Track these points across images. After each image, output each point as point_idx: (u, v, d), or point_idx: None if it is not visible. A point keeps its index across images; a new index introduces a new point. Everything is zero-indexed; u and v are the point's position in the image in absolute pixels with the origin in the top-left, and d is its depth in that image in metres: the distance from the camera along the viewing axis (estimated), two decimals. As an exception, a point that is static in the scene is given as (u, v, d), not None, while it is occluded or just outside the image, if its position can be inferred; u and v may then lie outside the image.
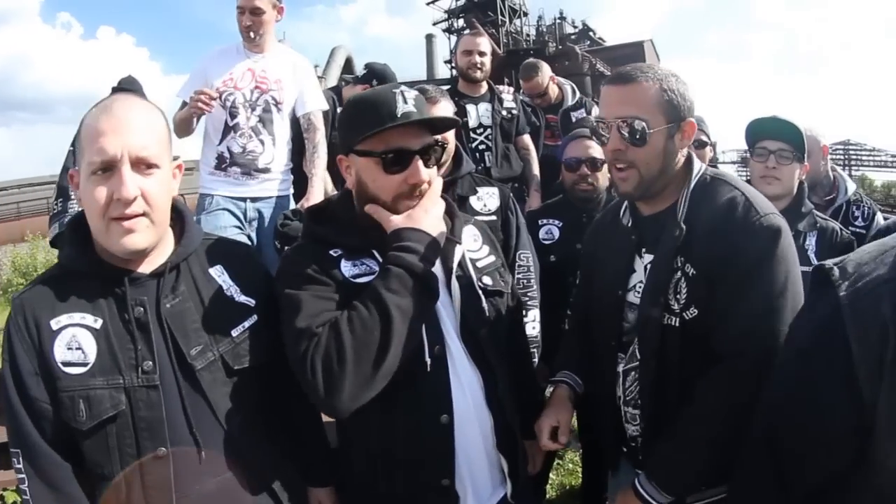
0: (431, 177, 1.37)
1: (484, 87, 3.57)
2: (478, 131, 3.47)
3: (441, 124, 1.47)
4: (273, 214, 2.94)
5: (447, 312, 1.41)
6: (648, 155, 1.38)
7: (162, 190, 1.22)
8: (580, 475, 3.29)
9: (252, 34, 2.88)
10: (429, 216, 1.34)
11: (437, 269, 1.38)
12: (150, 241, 1.23)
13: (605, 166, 2.43)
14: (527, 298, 2.10)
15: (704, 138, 3.02)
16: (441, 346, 1.36)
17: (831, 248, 2.10)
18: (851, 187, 2.78)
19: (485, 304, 1.45)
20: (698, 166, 1.46)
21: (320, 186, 2.94)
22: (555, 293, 2.34)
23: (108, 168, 1.16)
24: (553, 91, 4.02)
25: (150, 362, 1.21)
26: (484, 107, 3.50)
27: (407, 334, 1.24)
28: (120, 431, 1.19)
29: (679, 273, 1.36)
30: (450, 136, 2.04)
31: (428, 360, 1.33)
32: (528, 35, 42.09)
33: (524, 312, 2.01)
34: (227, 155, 2.89)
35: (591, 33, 46.65)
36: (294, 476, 1.43)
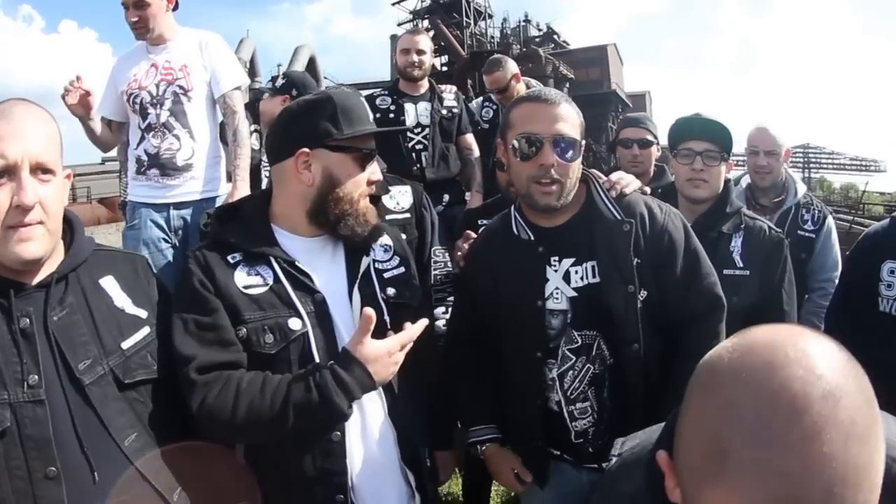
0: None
1: (425, 87, 3.45)
2: (415, 130, 3.33)
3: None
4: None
5: (345, 326, 1.41)
6: (574, 171, 1.53)
7: (58, 197, 1.20)
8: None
9: (141, 29, 2.71)
10: (389, 367, 1.34)
11: (342, 278, 1.45)
12: (45, 251, 1.19)
13: None
14: (445, 294, 2.06)
15: (650, 138, 2.96)
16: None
17: (759, 248, 2.01)
18: (802, 189, 2.68)
19: (386, 317, 1.45)
20: (591, 175, 1.62)
21: (246, 180, 2.73)
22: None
23: (7, 173, 1.13)
24: (519, 89, 3.85)
25: (36, 376, 1.14)
26: (423, 106, 3.37)
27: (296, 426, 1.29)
28: (7, 451, 1.10)
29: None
30: None
31: None
32: (492, 37, 42.37)
33: (445, 309, 2.02)
34: (144, 158, 2.73)
35: (555, 36, 47.23)
36: (197, 490, 1.34)
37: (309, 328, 1.35)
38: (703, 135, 2.06)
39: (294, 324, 1.34)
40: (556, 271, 1.57)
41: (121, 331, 1.27)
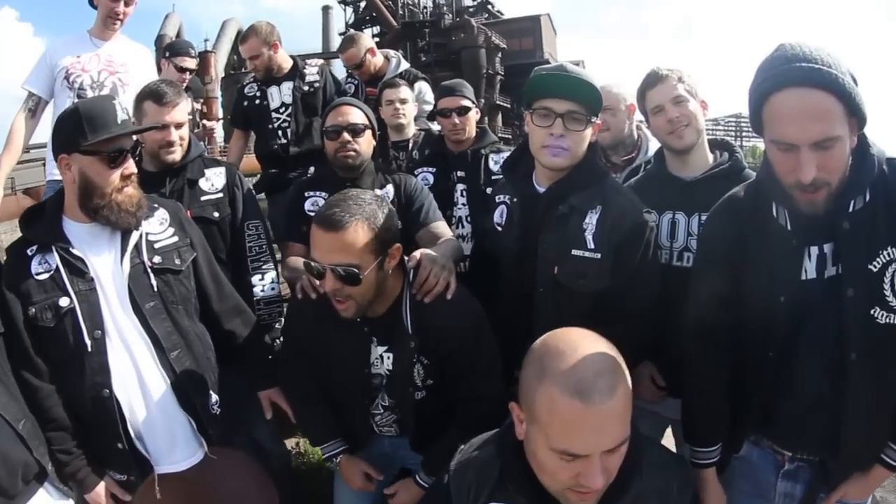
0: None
1: (287, 67, 3.51)
2: (280, 110, 3.44)
3: (146, 131, 2.01)
4: None
5: (117, 292, 1.71)
6: (363, 289, 1.59)
7: None
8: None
9: (117, 22, 3.00)
10: None
11: (116, 251, 1.73)
12: None
13: (368, 132, 2.31)
14: (260, 262, 2.30)
15: (467, 103, 2.88)
16: (101, 331, 1.66)
17: (615, 230, 1.73)
18: (655, 146, 2.41)
19: (153, 281, 1.75)
20: (406, 283, 1.74)
21: None
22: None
23: None
24: (375, 63, 3.99)
25: None
26: (286, 86, 3.45)
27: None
28: None
29: (417, 363, 1.75)
30: (184, 130, 2.26)
31: (88, 342, 1.65)
32: (425, 7, 41.83)
33: (261, 276, 2.30)
34: None
35: (489, 6, 46.99)
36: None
37: (76, 304, 1.64)
38: (566, 93, 1.69)
39: (63, 301, 1.64)
40: (376, 347, 1.77)
41: None
